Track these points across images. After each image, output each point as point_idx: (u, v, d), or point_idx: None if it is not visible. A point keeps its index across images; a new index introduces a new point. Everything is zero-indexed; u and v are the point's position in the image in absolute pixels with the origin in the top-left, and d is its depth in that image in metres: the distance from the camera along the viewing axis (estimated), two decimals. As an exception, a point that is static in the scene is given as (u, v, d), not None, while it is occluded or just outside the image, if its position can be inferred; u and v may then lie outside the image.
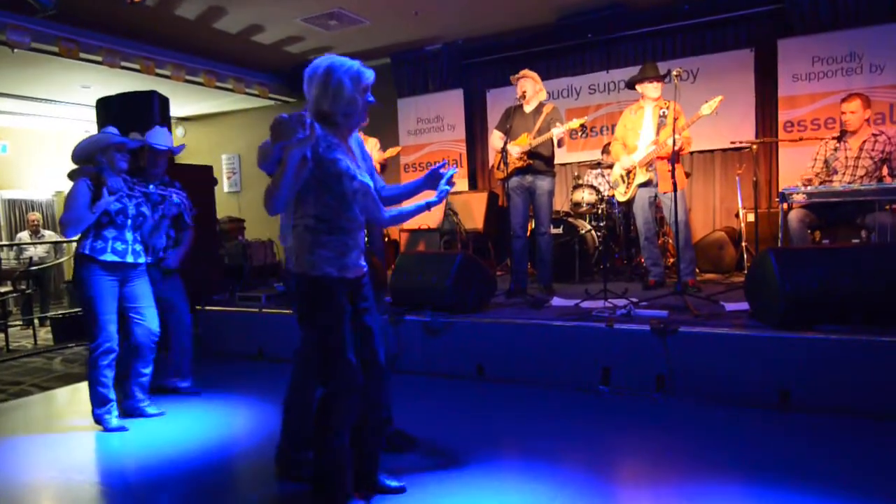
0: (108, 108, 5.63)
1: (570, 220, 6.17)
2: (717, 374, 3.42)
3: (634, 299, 4.26)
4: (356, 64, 2.30)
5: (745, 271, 4.98)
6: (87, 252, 3.36)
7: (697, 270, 5.56)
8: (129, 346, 3.55)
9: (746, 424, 3.09)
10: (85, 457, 3.18)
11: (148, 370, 3.64)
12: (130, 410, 3.61)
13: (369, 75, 2.35)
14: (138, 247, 3.53)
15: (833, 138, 4.72)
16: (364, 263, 2.36)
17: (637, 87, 5.04)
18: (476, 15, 6.90)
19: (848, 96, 4.65)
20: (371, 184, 2.30)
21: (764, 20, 6.51)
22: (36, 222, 8.48)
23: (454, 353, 4.19)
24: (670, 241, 6.09)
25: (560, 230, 6.04)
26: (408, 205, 2.51)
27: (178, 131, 10.60)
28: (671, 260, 6.00)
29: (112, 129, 3.58)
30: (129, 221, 3.47)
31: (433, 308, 4.31)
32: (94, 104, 5.78)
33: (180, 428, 3.45)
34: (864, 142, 4.54)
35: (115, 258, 3.40)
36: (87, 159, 3.47)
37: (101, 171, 3.42)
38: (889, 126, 5.74)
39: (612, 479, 2.63)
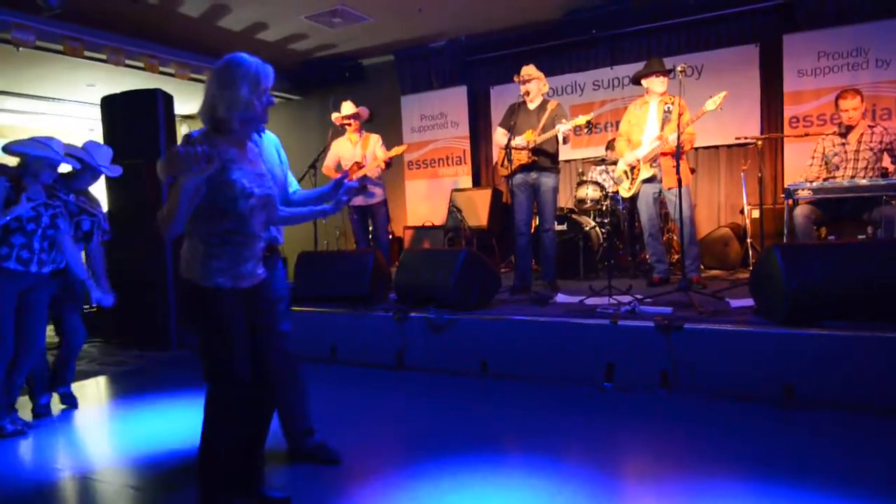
0: (113, 107, 5.65)
1: (575, 216, 6.16)
2: (721, 371, 3.41)
3: (639, 296, 4.26)
4: (254, 63, 2.15)
5: (750, 268, 4.97)
6: None
7: (702, 267, 5.55)
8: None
9: (751, 421, 3.09)
10: (91, 454, 3.20)
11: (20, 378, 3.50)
12: None
13: (268, 74, 2.19)
14: (45, 256, 3.40)
15: (834, 133, 4.70)
16: (262, 271, 2.25)
17: (643, 81, 5.02)
18: (480, 11, 6.89)
19: (843, 93, 4.63)
20: (272, 188, 2.24)
21: (769, 15, 6.47)
22: None
23: (458, 349, 4.19)
24: (675, 237, 6.07)
25: (564, 227, 6.03)
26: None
27: (183, 129, 10.62)
28: (676, 256, 5.99)
29: (57, 141, 3.47)
30: (40, 231, 3.36)
31: (437, 305, 4.32)
32: (99, 102, 5.80)
33: (187, 423, 3.46)
34: (862, 134, 4.56)
35: (19, 267, 3.29)
36: (17, 158, 3.37)
37: (25, 175, 3.32)
38: (895, 121, 5.70)
39: (616, 475, 2.64)
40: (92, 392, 4.41)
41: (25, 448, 3.24)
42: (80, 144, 3.83)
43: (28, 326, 3.42)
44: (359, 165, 5.66)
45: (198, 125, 12.15)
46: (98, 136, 5.15)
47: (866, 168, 4.51)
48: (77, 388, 4.49)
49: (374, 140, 5.78)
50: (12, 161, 3.44)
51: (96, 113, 6.06)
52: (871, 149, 4.50)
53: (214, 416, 2.16)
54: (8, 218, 3.20)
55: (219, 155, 2.02)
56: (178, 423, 3.51)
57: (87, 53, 6.60)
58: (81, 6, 5.84)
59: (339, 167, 5.79)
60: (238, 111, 2.10)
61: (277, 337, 2.41)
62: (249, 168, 2.15)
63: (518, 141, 4.88)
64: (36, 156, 3.33)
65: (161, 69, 7.35)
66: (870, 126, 4.58)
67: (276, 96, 9.26)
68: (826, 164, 4.67)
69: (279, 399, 2.55)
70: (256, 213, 2.15)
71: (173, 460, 2.95)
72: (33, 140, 3.39)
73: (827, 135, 4.79)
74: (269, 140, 2.70)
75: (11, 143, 3.37)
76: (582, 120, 4.87)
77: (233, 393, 2.15)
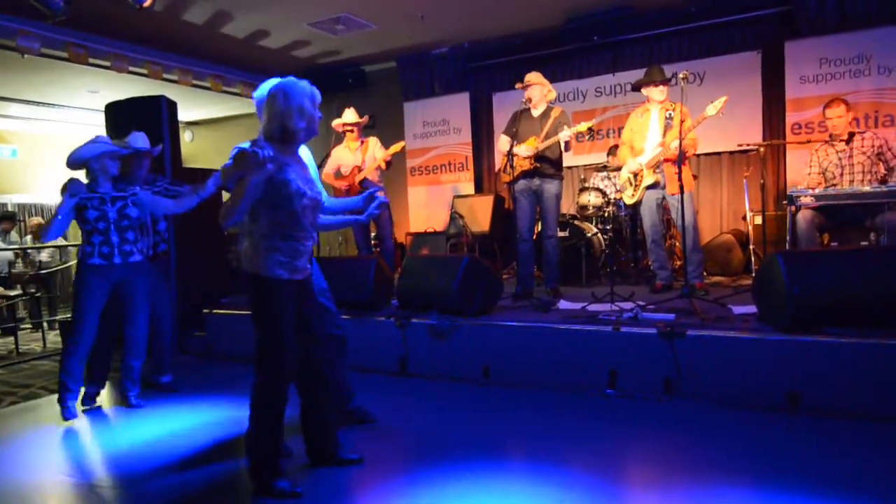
0: (117, 113, 5.66)
1: (577, 222, 6.16)
2: (724, 378, 3.40)
3: (641, 302, 4.25)
4: (307, 85, 2.57)
5: (753, 274, 4.96)
6: (79, 256, 3.71)
7: (705, 273, 5.54)
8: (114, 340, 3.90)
9: (754, 428, 3.07)
10: (93, 459, 3.19)
11: (138, 363, 3.98)
12: (121, 400, 3.96)
13: (318, 94, 2.64)
14: (127, 247, 3.76)
15: (828, 143, 4.75)
16: (309, 266, 2.63)
17: (642, 90, 5.03)
18: (482, 18, 6.92)
19: (829, 102, 4.72)
20: (319, 193, 2.62)
21: (771, 22, 6.49)
22: (34, 228, 8.45)
23: (460, 356, 4.19)
24: (677, 243, 6.07)
25: (566, 233, 6.02)
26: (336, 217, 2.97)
27: (186, 135, 10.66)
28: (678, 263, 5.98)
29: (104, 138, 3.86)
30: (112, 226, 3.71)
31: (440, 311, 4.31)
32: (103, 109, 5.82)
33: (190, 431, 3.46)
34: (853, 140, 4.61)
35: (103, 262, 3.68)
36: (82, 166, 3.73)
37: (96, 177, 3.72)
38: (898, 128, 5.72)
39: (619, 482, 2.62)
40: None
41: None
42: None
43: (128, 315, 3.84)
44: (359, 169, 5.67)
45: (202, 132, 12.07)
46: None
47: (863, 173, 4.55)
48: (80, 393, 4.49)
49: (373, 143, 5.78)
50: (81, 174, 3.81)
51: (100, 119, 6.09)
52: (865, 153, 4.54)
53: (262, 403, 2.48)
54: (60, 217, 3.56)
55: (277, 158, 2.38)
56: (178, 426, 3.51)
57: (91, 60, 6.63)
58: (85, 13, 5.87)
59: (338, 174, 5.80)
60: (304, 121, 2.51)
61: (321, 321, 2.74)
62: (301, 173, 2.53)
63: (521, 150, 4.88)
64: (93, 154, 3.70)
65: (164, 76, 7.38)
66: (860, 133, 4.66)
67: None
68: (823, 173, 4.71)
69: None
70: (308, 212, 2.51)
71: (175, 464, 2.95)
72: (84, 144, 3.76)
73: (822, 144, 4.83)
74: (304, 153, 2.95)
75: (69, 156, 3.73)
76: (583, 127, 4.88)
77: (281, 375, 2.48)
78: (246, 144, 2.48)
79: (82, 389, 3.88)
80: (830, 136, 4.72)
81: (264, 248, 2.44)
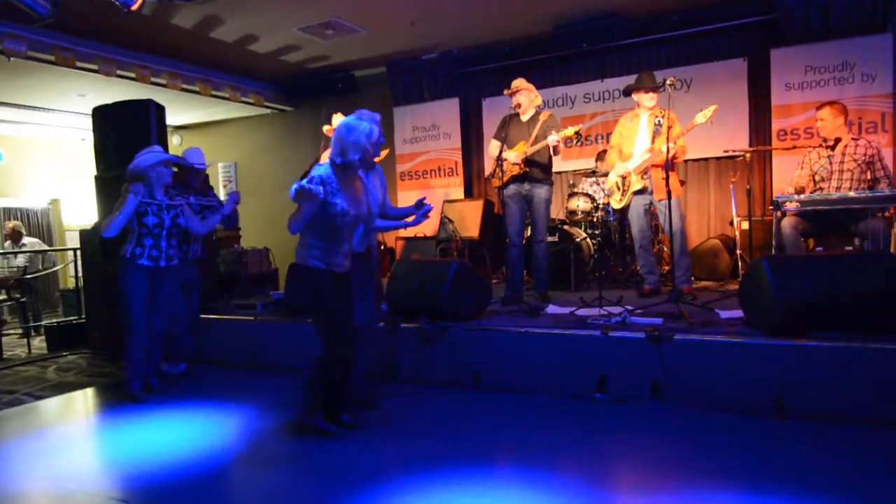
0: (104, 117, 5.63)
1: (566, 227, 6.19)
2: (712, 382, 3.43)
3: (630, 307, 4.27)
4: (367, 123, 3.11)
5: (740, 279, 5.00)
6: (127, 256, 4.03)
7: (693, 278, 5.58)
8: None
9: (742, 432, 3.10)
10: (78, 466, 3.16)
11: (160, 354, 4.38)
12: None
13: (378, 127, 3.16)
14: (172, 252, 4.17)
15: (820, 147, 4.79)
16: (348, 264, 3.25)
17: (633, 95, 5.07)
18: (472, 25, 6.94)
19: (821, 105, 4.79)
20: (366, 212, 3.23)
21: (756, 30, 6.56)
22: (9, 231, 8.16)
23: (450, 361, 4.19)
24: (665, 248, 6.11)
25: (555, 238, 6.04)
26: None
27: (175, 139, 10.60)
28: (666, 267, 6.02)
29: (158, 148, 4.22)
30: (164, 232, 4.11)
31: (429, 316, 4.31)
32: (91, 112, 5.78)
33: (174, 436, 3.44)
34: (846, 146, 4.65)
35: (149, 263, 4.06)
36: (141, 175, 4.04)
37: (152, 185, 4.08)
38: (881, 135, 5.79)
39: (608, 487, 2.63)
40: (79, 404, 4.37)
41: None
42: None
43: (158, 309, 4.20)
44: None
45: (191, 136, 12.00)
46: (89, 146, 5.14)
47: (851, 180, 4.58)
48: (64, 400, 4.46)
49: None
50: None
51: (87, 123, 6.04)
52: (856, 160, 4.58)
53: (332, 359, 3.14)
54: (124, 215, 3.92)
55: (330, 185, 3.02)
56: (160, 435, 3.48)
57: (78, 64, 6.58)
58: (73, 16, 5.84)
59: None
60: (359, 154, 3.07)
61: (357, 310, 3.36)
62: (349, 194, 3.10)
63: (510, 156, 4.91)
64: (150, 164, 4.04)
65: (153, 80, 7.34)
66: (854, 139, 4.67)
67: (268, 107, 9.28)
68: (813, 177, 4.75)
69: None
70: (348, 227, 3.16)
71: (161, 473, 2.93)
72: (141, 154, 4.10)
73: (813, 147, 4.87)
74: (377, 169, 3.62)
75: (130, 166, 4.06)
76: (570, 131, 4.91)
77: (338, 337, 3.15)
78: (322, 169, 3.09)
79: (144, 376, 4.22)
80: (823, 139, 4.76)
81: (309, 245, 3.11)
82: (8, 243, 8.44)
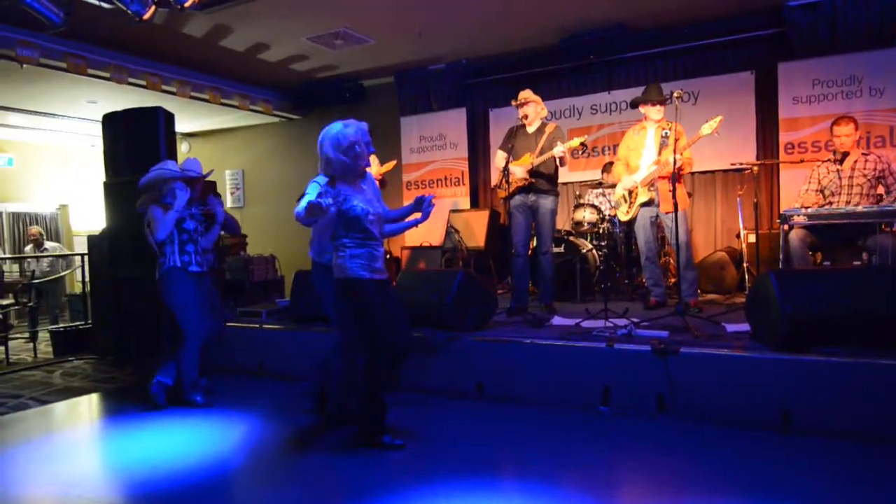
0: (114, 124, 5.68)
1: (572, 238, 6.18)
2: (718, 396, 3.40)
3: (635, 319, 4.26)
4: (349, 134, 3.10)
5: (747, 292, 4.97)
6: (178, 265, 4.08)
7: (699, 291, 5.56)
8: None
9: (747, 446, 3.08)
10: (82, 471, 3.16)
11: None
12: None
13: (353, 133, 3.13)
14: (198, 258, 4.23)
15: (829, 161, 4.77)
16: (384, 269, 3.25)
17: (640, 107, 5.08)
18: (479, 36, 6.98)
19: (838, 119, 4.72)
20: (381, 211, 3.25)
21: (764, 43, 6.57)
22: (35, 236, 8.46)
23: (454, 371, 4.18)
24: (672, 260, 6.09)
25: (561, 249, 6.04)
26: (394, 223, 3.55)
27: (183, 147, 10.67)
28: (672, 280, 6.00)
29: (172, 164, 4.29)
30: (198, 237, 4.24)
31: (433, 326, 4.31)
32: (101, 119, 5.83)
33: (178, 443, 3.44)
34: (856, 161, 4.63)
35: (199, 269, 4.18)
36: (152, 187, 4.12)
37: (164, 198, 4.11)
38: (889, 149, 5.77)
39: (611, 501, 2.62)
40: (84, 410, 4.38)
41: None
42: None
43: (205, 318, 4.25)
44: None
45: (199, 143, 12.12)
46: (98, 152, 5.18)
47: (861, 195, 4.56)
48: (69, 405, 4.47)
49: (371, 159, 5.80)
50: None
51: (97, 129, 6.09)
52: (865, 175, 4.55)
53: (376, 368, 3.13)
54: (175, 216, 4.06)
55: (339, 194, 3.06)
56: (164, 442, 3.48)
57: (90, 71, 6.65)
58: (86, 24, 5.90)
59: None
60: (339, 170, 3.12)
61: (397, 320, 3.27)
62: (362, 196, 3.16)
63: (516, 170, 4.92)
64: (165, 178, 4.11)
65: (163, 87, 7.39)
66: (864, 154, 4.65)
67: (276, 115, 9.33)
68: (822, 191, 4.73)
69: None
70: (375, 225, 3.18)
71: (164, 481, 2.93)
72: (153, 172, 4.16)
73: (822, 162, 4.85)
74: (368, 178, 3.46)
75: (141, 179, 4.14)
76: (576, 142, 4.92)
77: (378, 355, 3.11)
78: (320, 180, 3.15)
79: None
80: (834, 152, 4.73)
81: (348, 256, 3.12)
82: (30, 247, 8.53)
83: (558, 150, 4.77)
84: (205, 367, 4.46)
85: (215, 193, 4.93)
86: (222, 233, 5.05)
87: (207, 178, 4.70)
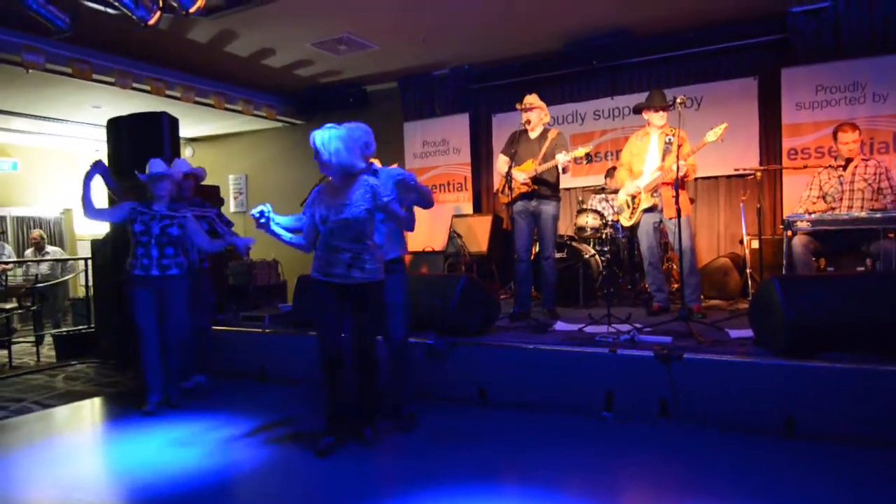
0: (119, 128, 5.70)
1: (574, 244, 6.18)
2: (721, 401, 3.39)
3: (638, 325, 4.25)
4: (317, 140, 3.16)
5: (750, 298, 4.96)
6: (126, 267, 4.11)
7: (702, 296, 5.55)
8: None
9: (750, 451, 3.06)
10: (85, 475, 3.16)
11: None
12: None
13: (358, 141, 3.31)
14: (165, 261, 4.10)
15: (832, 167, 4.77)
16: (356, 275, 3.22)
17: (643, 114, 5.09)
18: (483, 42, 7.00)
19: (842, 126, 4.73)
20: (351, 214, 3.15)
21: (767, 49, 6.57)
22: (37, 239, 8.48)
23: (456, 376, 4.17)
24: (675, 266, 6.08)
25: (564, 254, 6.04)
26: None
27: (187, 151, 10.71)
28: (676, 285, 5.98)
29: (157, 161, 4.24)
30: (153, 240, 4.07)
31: (436, 331, 4.30)
32: (105, 124, 5.86)
33: (180, 447, 3.44)
34: (857, 167, 4.64)
35: (141, 272, 4.05)
36: (144, 185, 4.18)
37: (153, 195, 4.14)
38: (893, 155, 5.76)
39: (615, 507, 2.61)
40: (86, 414, 4.38)
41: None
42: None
43: (165, 322, 4.14)
44: None
45: (203, 148, 12.10)
46: (103, 157, 5.19)
47: (862, 200, 4.56)
48: (72, 409, 4.48)
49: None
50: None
51: (101, 134, 6.12)
52: (867, 180, 4.56)
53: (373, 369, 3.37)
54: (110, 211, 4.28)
55: (317, 196, 3.27)
56: (166, 446, 3.48)
57: (95, 76, 6.68)
58: (91, 30, 5.93)
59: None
60: (331, 172, 3.20)
61: (362, 329, 3.29)
62: (332, 202, 3.18)
63: (519, 176, 4.92)
64: (143, 179, 4.19)
65: (167, 93, 7.43)
66: (864, 159, 4.67)
67: (280, 121, 9.36)
68: (824, 197, 4.73)
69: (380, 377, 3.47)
70: (337, 232, 3.17)
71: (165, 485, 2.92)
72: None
73: (824, 168, 4.85)
74: (388, 174, 3.59)
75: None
76: (581, 152, 4.93)
77: (324, 359, 3.28)
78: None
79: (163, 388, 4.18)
80: (836, 158, 4.75)
81: (314, 257, 3.27)
82: (31, 251, 8.56)
83: (563, 159, 4.78)
84: (191, 366, 4.56)
85: (220, 215, 4.94)
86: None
87: (202, 182, 4.70)
